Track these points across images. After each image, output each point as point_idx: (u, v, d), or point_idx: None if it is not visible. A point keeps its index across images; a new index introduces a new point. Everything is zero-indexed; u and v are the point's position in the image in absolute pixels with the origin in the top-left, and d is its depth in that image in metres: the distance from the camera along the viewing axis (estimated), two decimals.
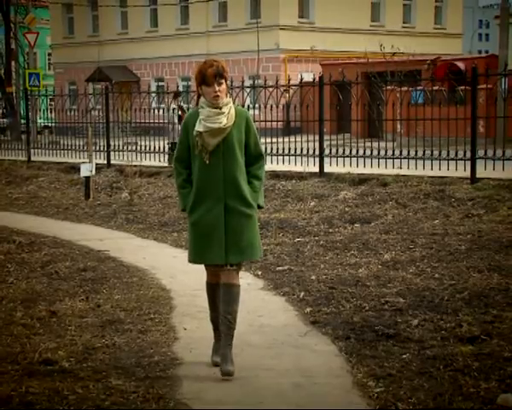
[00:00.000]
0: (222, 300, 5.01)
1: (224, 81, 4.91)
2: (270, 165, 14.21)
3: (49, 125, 23.95)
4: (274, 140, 14.89)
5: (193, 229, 5.05)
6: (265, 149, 13.23)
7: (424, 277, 7.35)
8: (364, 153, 14.45)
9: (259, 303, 6.60)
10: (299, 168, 14.21)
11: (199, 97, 5.01)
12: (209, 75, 4.86)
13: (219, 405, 4.45)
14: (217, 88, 4.87)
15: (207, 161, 4.90)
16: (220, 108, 4.90)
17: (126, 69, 42.00)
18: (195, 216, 4.99)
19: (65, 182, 16.17)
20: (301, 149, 14.92)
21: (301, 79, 16.28)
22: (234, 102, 5.13)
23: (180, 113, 17.52)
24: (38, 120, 22.08)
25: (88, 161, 14.39)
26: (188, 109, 16.07)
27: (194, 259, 5.11)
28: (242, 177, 4.99)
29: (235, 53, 35.65)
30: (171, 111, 18.00)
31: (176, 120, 17.63)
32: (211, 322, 5.26)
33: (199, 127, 4.89)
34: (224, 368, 4.86)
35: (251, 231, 5.02)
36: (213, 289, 5.17)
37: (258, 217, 5.24)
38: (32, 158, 19.48)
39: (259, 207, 5.10)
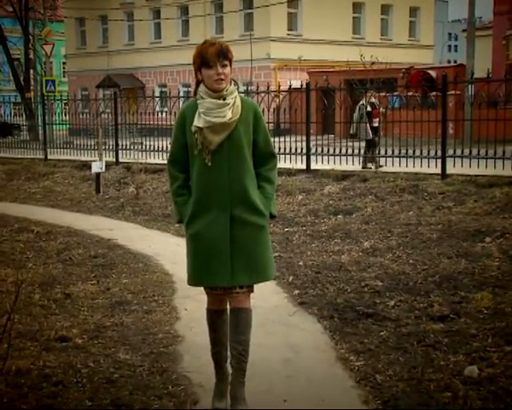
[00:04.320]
0: (231, 328, 3.83)
1: (228, 64, 3.65)
2: None
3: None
4: None
5: (192, 244, 3.77)
6: None
7: (400, 262, 7.37)
8: (347, 152, 14.45)
9: None
10: (288, 165, 14.20)
11: (197, 85, 3.75)
12: (211, 54, 3.61)
13: None
14: (220, 70, 3.62)
15: (209, 163, 3.67)
16: (224, 99, 3.66)
17: (133, 76, 41.84)
18: (195, 228, 3.73)
19: (78, 178, 16.10)
20: (290, 149, 14.90)
21: (290, 86, 16.24)
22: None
23: (370, 109, 15.60)
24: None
25: (98, 159, 14.35)
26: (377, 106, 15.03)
27: (193, 281, 3.82)
28: (251, 181, 3.74)
29: None
30: (357, 108, 15.77)
31: (358, 117, 15.56)
32: (212, 359, 3.97)
33: (198, 122, 3.66)
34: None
35: (262, 246, 3.77)
36: (216, 317, 3.90)
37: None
38: (49, 156, 19.40)
39: (272, 216, 3.83)
